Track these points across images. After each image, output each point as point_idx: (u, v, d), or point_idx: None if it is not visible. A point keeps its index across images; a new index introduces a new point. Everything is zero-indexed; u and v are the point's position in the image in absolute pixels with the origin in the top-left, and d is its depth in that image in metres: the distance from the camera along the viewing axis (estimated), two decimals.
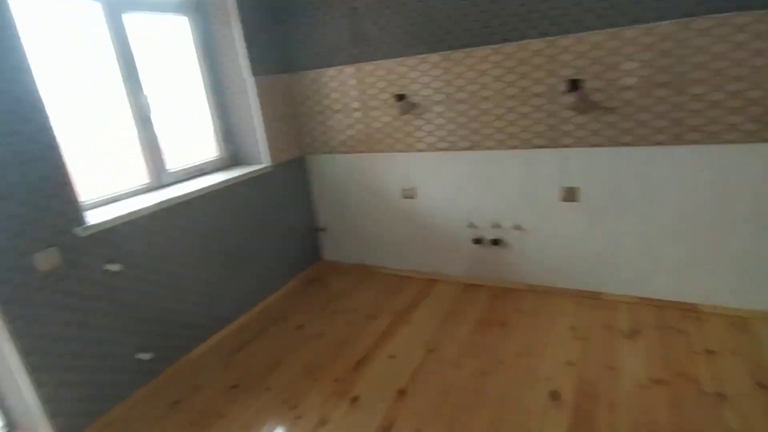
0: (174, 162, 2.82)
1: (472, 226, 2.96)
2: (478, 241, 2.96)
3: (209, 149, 3.12)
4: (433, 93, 2.79)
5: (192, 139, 3.06)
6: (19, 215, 1.85)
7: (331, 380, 2.25)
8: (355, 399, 2.09)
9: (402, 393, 2.09)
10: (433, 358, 2.32)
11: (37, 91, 1.89)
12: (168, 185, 2.77)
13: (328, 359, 2.43)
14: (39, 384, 1.93)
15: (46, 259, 1.94)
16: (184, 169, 2.90)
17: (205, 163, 3.06)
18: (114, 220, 2.20)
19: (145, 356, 2.29)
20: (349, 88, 3.07)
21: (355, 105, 3.09)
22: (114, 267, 2.16)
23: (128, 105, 2.54)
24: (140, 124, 2.60)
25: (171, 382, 2.40)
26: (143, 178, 2.68)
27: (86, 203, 2.29)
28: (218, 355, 2.60)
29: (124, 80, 2.51)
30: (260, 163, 3.12)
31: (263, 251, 3.11)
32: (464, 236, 3.01)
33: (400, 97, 2.89)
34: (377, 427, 1.91)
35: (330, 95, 3.16)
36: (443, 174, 2.95)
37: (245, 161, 3.19)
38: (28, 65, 1.86)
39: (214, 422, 2.07)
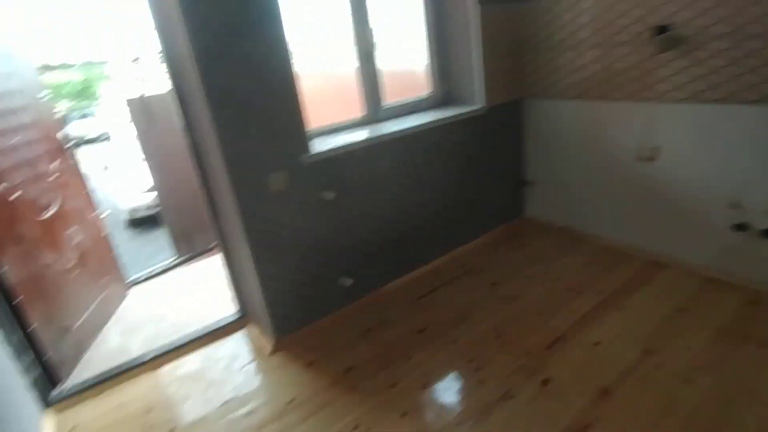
0: (389, 97, 2.82)
1: (735, 206, 2.25)
2: (741, 227, 2.25)
3: (423, 86, 3.03)
4: (714, 23, 2.08)
5: (407, 74, 3.01)
6: (261, 139, 2.06)
7: (521, 352, 2.05)
8: (546, 381, 1.87)
9: (605, 392, 1.78)
10: (652, 361, 1.90)
11: (281, 21, 2.00)
12: (382, 120, 2.79)
13: (520, 327, 2.23)
14: (264, 287, 2.23)
15: (277, 181, 2.15)
16: (398, 105, 2.88)
17: (418, 100, 2.99)
18: (333, 150, 2.30)
19: (347, 282, 2.46)
20: (591, 19, 2.53)
21: (595, 40, 2.55)
22: (329, 195, 2.30)
23: (353, 37, 2.57)
24: (363, 57, 2.62)
25: (365, 311, 2.55)
26: (359, 111, 2.76)
27: (311, 132, 2.45)
28: (409, 295, 2.65)
29: (353, 11, 2.51)
30: (474, 104, 2.90)
31: (464, 197, 2.97)
32: (719, 217, 2.32)
33: (661, 30, 2.25)
34: (570, 423, 1.67)
35: (564, 28, 2.67)
36: (705, 133, 2.26)
37: (458, 101, 3.01)
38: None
39: (399, 361, 2.12)
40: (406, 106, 2.92)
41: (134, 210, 6.64)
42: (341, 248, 2.46)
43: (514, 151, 3.19)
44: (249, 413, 1.92)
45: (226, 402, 2.01)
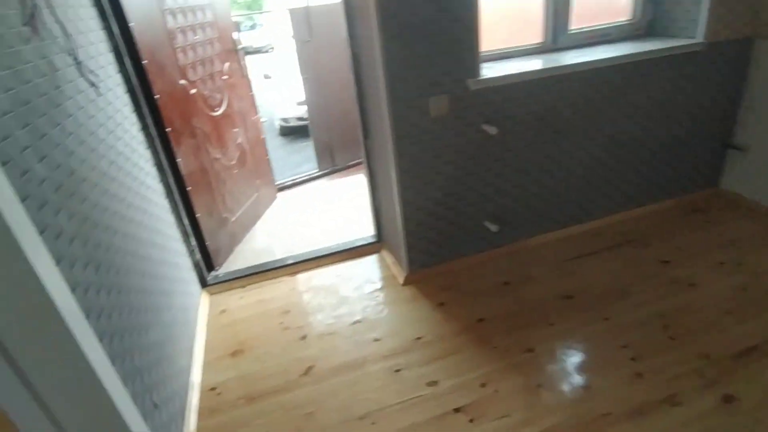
0: (576, 21, 2.35)
1: None
2: None
3: (623, 10, 2.47)
4: None
5: None
6: (428, 57, 1.85)
7: (696, 353, 1.69)
8: (728, 398, 1.51)
9: None
10: None
11: None
12: (563, 49, 2.37)
13: (696, 322, 1.83)
14: (405, 216, 2.13)
15: (437, 105, 1.95)
16: (586, 32, 2.40)
17: (612, 27, 2.46)
18: (502, 78, 2.01)
19: (492, 227, 2.25)
20: None
21: None
22: (490, 129, 2.04)
23: None
24: None
25: (506, 261, 2.33)
26: (537, 36, 2.36)
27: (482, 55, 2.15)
28: (559, 253, 2.35)
29: None
30: (689, 37, 2.28)
31: (646, 152, 2.47)
32: None
33: None
34: None
35: None
36: None
37: (666, 32, 2.41)
38: None
39: (538, 324, 1.91)
40: (595, 34, 2.43)
41: (286, 119, 7.04)
42: (493, 189, 2.23)
43: (726, 104, 2.51)
44: (376, 340, 1.91)
45: (355, 322, 2.03)
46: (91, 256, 1.24)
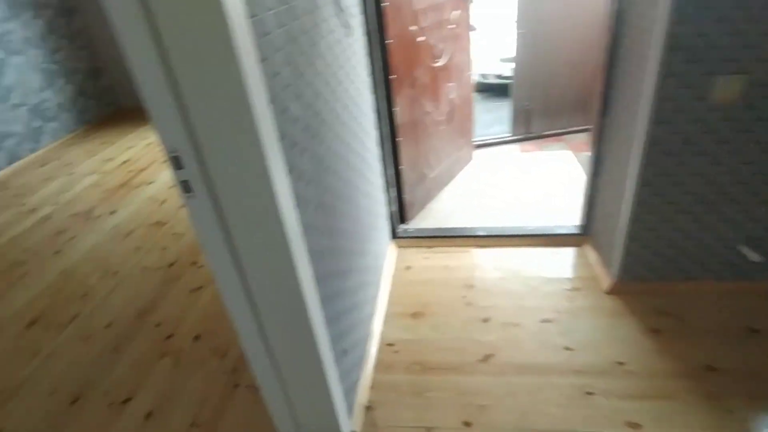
0: None
1: None
2: None
3: None
4: None
5: None
6: (731, 19, 1.39)
7: None
8: None
9: None
10: None
11: None
12: None
13: None
14: (634, 217, 1.77)
15: (725, 89, 1.49)
16: None
17: None
18: None
19: (752, 255, 1.74)
20: None
21: None
22: None
23: None
24: None
25: (758, 302, 1.80)
26: None
27: None
28: None
29: None
30: None
31: None
32: None
33: None
34: None
35: None
36: None
37: None
38: None
39: None
40: None
41: (485, 75, 6.70)
42: None
43: None
44: (567, 348, 1.68)
45: (544, 320, 1.82)
46: (321, 199, 1.26)
